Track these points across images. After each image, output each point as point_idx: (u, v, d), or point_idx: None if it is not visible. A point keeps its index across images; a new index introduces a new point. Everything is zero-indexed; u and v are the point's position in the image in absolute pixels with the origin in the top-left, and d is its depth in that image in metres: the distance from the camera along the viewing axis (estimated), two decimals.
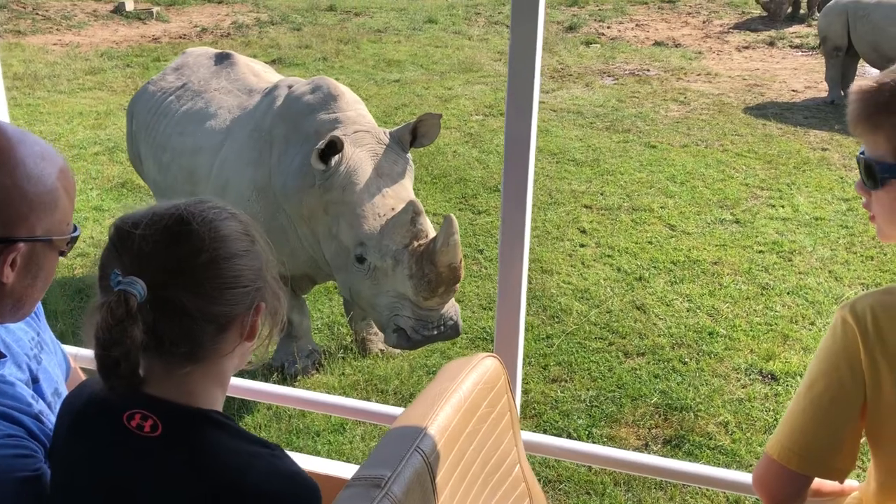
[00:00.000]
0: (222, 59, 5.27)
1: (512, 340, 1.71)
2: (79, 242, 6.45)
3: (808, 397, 1.33)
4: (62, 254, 1.35)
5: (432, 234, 4.01)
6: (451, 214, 3.88)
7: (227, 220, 1.26)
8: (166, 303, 1.18)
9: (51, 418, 1.41)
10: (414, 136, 4.21)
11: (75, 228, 1.36)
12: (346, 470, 1.83)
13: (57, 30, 14.55)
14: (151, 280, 1.17)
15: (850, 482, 1.54)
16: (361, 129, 4.17)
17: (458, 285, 3.99)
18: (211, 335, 1.22)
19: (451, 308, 4.06)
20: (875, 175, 1.27)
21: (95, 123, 9.57)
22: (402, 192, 4.12)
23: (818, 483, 1.50)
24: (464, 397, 1.44)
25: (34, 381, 1.44)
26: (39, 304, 1.57)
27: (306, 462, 1.69)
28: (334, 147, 3.95)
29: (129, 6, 15.65)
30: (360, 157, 4.05)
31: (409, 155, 4.29)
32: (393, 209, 4.01)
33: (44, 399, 1.44)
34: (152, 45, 13.51)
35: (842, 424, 1.30)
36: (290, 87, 4.57)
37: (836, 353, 1.29)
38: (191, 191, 4.76)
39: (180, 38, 14.03)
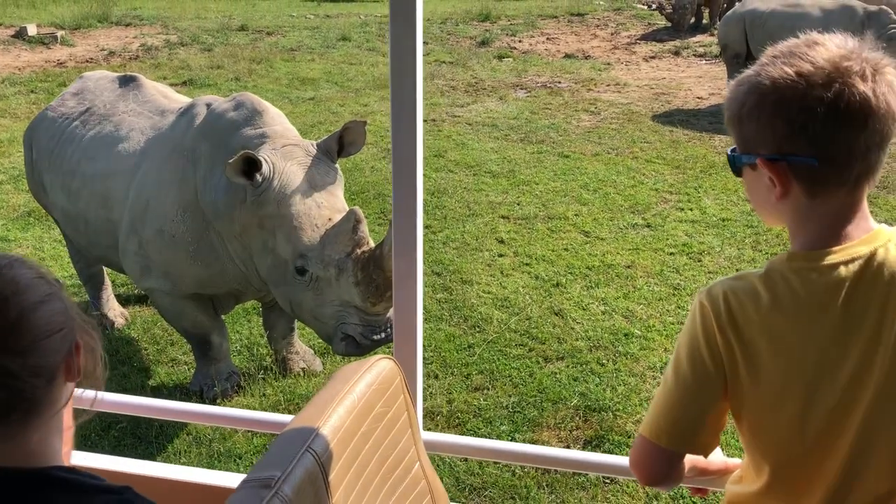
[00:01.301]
0: (127, 81, 5.17)
1: (409, 340, 1.74)
2: None
3: (675, 378, 1.41)
4: None
5: (372, 241, 4.06)
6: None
7: (18, 269, 1.20)
8: None
9: None
10: (341, 145, 4.24)
11: None
12: (231, 479, 1.83)
13: None
14: None
15: (734, 460, 1.63)
16: (289, 142, 4.18)
17: None
18: (43, 389, 1.18)
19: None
20: (733, 165, 1.42)
21: None
22: (337, 203, 4.16)
23: (705, 463, 1.58)
24: (357, 398, 1.46)
25: None
26: None
27: (190, 475, 1.67)
28: (253, 162, 3.94)
29: (32, 31, 15.18)
30: (291, 171, 4.05)
31: (338, 165, 4.31)
32: (330, 220, 4.04)
33: None
34: (57, 70, 13.14)
35: (706, 403, 1.38)
36: (208, 105, 4.52)
37: (696, 337, 1.38)
38: (105, 216, 4.65)
39: (87, 61, 13.69)
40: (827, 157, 1.27)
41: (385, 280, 3.90)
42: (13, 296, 1.16)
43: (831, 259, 1.30)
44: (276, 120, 4.32)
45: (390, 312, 4.02)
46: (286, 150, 4.12)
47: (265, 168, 3.98)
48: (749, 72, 1.36)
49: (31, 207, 7.45)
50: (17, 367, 1.14)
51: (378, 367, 1.55)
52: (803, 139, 1.27)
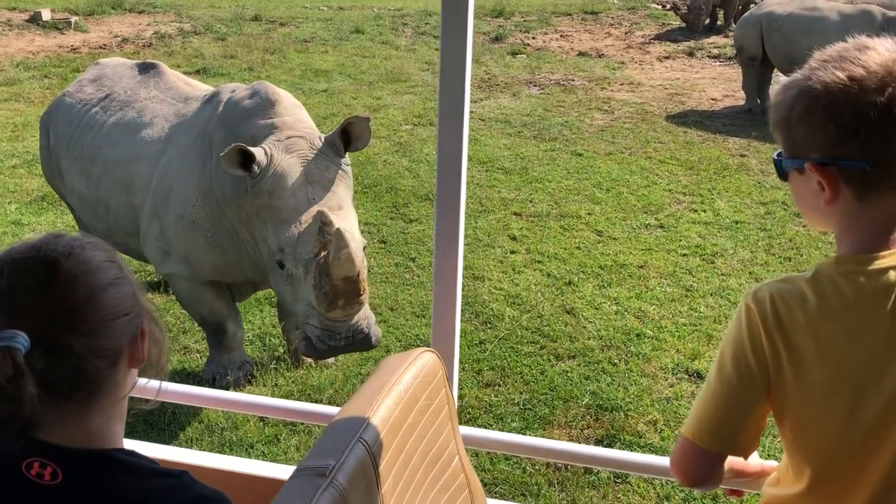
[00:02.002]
0: (147, 68, 5.18)
1: (448, 336, 1.74)
2: None
3: (719, 380, 1.41)
4: None
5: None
6: (340, 227, 3.82)
7: (90, 250, 1.23)
8: (54, 349, 1.13)
9: None
10: (348, 140, 4.19)
11: None
12: (281, 471, 1.84)
13: None
14: (32, 329, 1.12)
15: (770, 462, 1.63)
16: (295, 134, 4.15)
17: (362, 298, 3.92)
18: (105, 371, 1.20)
19: (363, 319, 4.00)
20: (779, 169, 1.41)
21: (12, 136, 9.28)
22: (332, 200, 4.08)
23: (742, 465, 1.58)
24: (404, 390, 1.47)
25: None
26: None
27: (242, 465, 1.69)
28: (248, 155, 3.93)
29: (46, 15, 15.20)
30: (289, 163, 4.02)
31: (347, 160, 4.25)
32: (323, 222, 3.97)
33: None
34: (71, 56, 13.15)
35: (749, 405, 1.39)
36: (232, 91, 4.53)
37: (742, 339, 1.38)
38: (127, 202, 4.67)
39: (101, 48, 13.70)
40: (879, 161, 1.27)
41: (333, 288, 3.81)
42: (82, 276, 1.18)
43: (880, 263, 1.30)
44: (289, 110, 4.29)
45: (356, 320, 3.94)
46: (290, 142, 4.09)
47: (260, 159, 3.96)
48: (797, 76, 1.36)
49: (45, 192, 7.47)
50: (82, 346, 1.16)
51: (422, 360, 1.56)
52: (855, 143, 1.27)
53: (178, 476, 1.24)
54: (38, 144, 5.64)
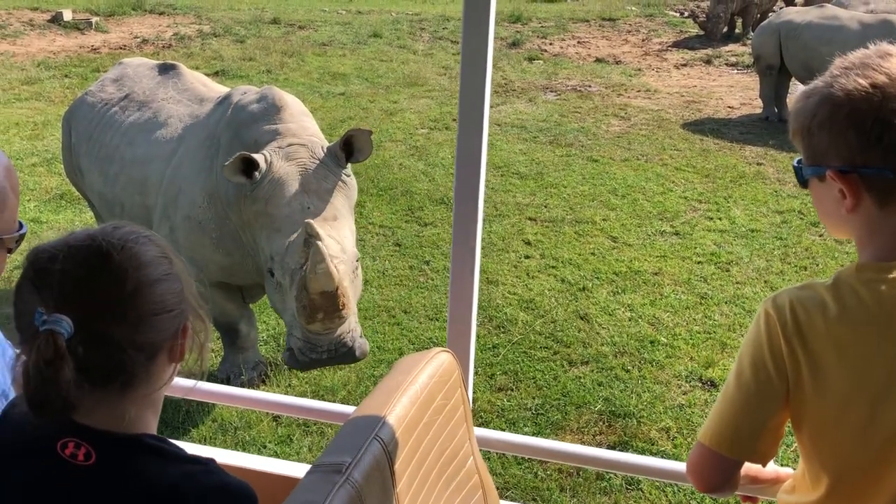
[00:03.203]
0: (167, 69, 5.22)
1: (464, 337, 1.75)
2: (17, 255, 6.30)
3: (737, 386, 1.41)
4: (10, 251, 1.35)
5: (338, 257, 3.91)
6: (318, 242, 3.75)
7: (144, 244, 1.25)
8: (95, 337, 1.17)
9: None
10: (350, 151, 4.15)
11: (21, 226, 1.36)
12: (295, 469, 1.85)
13: None
14: (77, 316, 1.15)
15: (785, 469, 1.62)
16: (297, 142, 4.12)
17: (344, 312, 3.85)
18: (142, 364, 1.23)
19: (347, 332, 3.94)
20: (799, 176, 1.40)
21: (32, 134, 9.37)
22: (329, 210, 4.03)
23: (756, 471, 1.58)
24: (420, 389, 1.48)
25: None
26: None
27: (257, 463, 1.70)
28: (251, 162, 3.93)
29: (67, 16, 15.34)
30: (287, 172, 4.00)
31: (348, 170, 4.22)
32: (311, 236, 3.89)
33: None
34: (91, 56, 13.27)
35: (768, 411, 1.38)
36: (243, 94, 4.56)
37: (761, 345, 1.38)
38: (141, 202, 4.70)
39: (120, 48, 13.81)
40: None
41: (310, 302, 3.76)
42: (132, 269, 1.21)
43: None
44: (295, 117, 4.28)
45: (339, 333, 3.89)
46: (290, 150, 4.08)
47: (261, 165, 3.97)
48: (819, 83, 1.36)
49: (64, 190, 7.54)
50: (122, 338, 1.19)
51: (438, 360, 1.57)
52: (878, 151, 1.27)
53: (205, 463, 1.27)
54: (61, 142, 5.69)
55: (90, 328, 1.16)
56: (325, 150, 4.14)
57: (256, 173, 3.97)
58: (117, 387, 1.22)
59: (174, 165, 4.55)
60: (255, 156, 3.96)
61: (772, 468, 1.62)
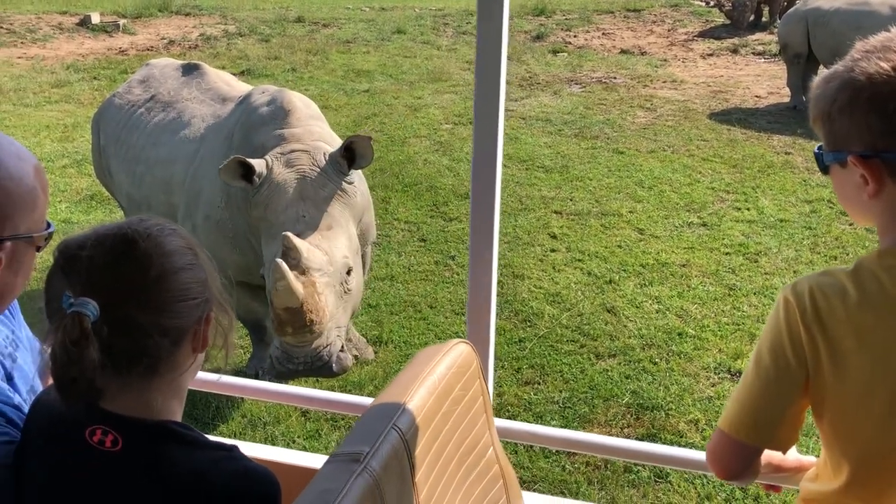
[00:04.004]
0: (191, 69, 5.28)
1: (483, 327, 1.76)
2: (48, 255, 6.41)
3: (756, 373, 1.40)
4: (38, 249, 1.39)
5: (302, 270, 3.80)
6: (279, 259, 3.67)
7: (169, 235, 1.30)
8: (119, 320, 1.20)
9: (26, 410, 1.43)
10: (351, 157, 4.11)
11: (49, 225, 1.40)
12: (317, 460, 1.88)
13: (21, 43, 14.42)
14: (103, 299, 1.19)
15: (808, 458, 1.61)
16: (300, 148, 4.09)
17: (315, 328, 3.75)
18: (166, 349, 1.25)
19: (324, 347, 3.87)
20: (820, 163, 1.39)
21: (62, 136, 9.51)
22: (325, 220, 3.98)
23: (779, 460, 1.57)
24: (438, 380, 1.49)
25: (8, 379, 1.46)
26: (16, 303, 1.59)
27: (278, 455, 1.73)
28: (249, 166, 3.94)
29: (95, 19, 15.54)
30: (286, 178, 3.99)
31: (351, 177, 4.16)
32: (300, 235, 3.87)
33: (20, 395, 1.46)
34: (119, 58, 13.43)
35: (787, 398, 1.37)
36: (261, 93, 4.59)
37: (780, 332, 1.36)
38: (166, 201, 4.76)
39: (148, 50, 13.96)
40: None
41: (276, 315, 3.69)
42: (157, 257, 1.25)
43: None
44: (302, 121, 4.25)
45: (317, 345, 3.83)
46: (292, 156, 4.06)
47: (260, 171, 3.97)
48: (839, 67, 1.33)
49: (94, 191, 7.65)
50: (146, 322, 1.22)
51: (456, 351, 1.58)
52: None
53: (229, 450, 1.30)
54: (90, 144, 5.77)
55: (115, 312, 1.20)
56: (327, 156, 4.10)
57: (255, 178, 3.98)
58: (141, 371, 1.25)
59: (196, 165, 4.60)
60: (253, 161, 3.93)
61: (794, 456, 1.61)
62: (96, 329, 1.17)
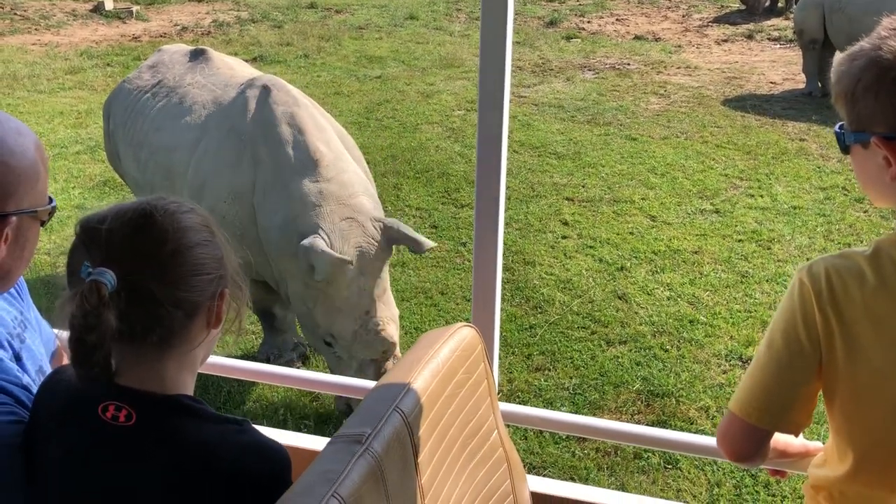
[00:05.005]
0: (197, 55, 5.27)
1: (488, 310, 1.75)
2: (62, 240, 6.44)
3: (769, 355, 1.38)
4: (42, 223, 1.40)
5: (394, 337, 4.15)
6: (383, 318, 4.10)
7: (187, 213, 1.33)
8: (136, 290, 1.23)
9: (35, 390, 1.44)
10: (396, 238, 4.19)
11: (51, 200, 1.41)
12: (319, 442, 1.89)
13: (35, 30, 14.46)
14: (120, 270, 1.22)
15: (815, 443, 1.60)
16: (349, 215, 4.09)
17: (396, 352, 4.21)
18: (180, 321, 1.28)
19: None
20: (841, 142, 1.35)
21: (76, 122, 9.54)
22: (377, 288, 4.10)
23: (784, 444, 1.56)
24: (441, 363, 1.49)
25: (17, 359, 1.47)
26: (24, 284, 1.60)
27: (280, 436, 1.74)
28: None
29: (109, 5, 15.56)
30: (348, 256, 3.98)
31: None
32: (367, 312, 4.02)
33: (28, 376, 1.47)
34: (132, 44, 13.45)
35: (799, 381, 1.35)
36: (265, 87, 4.51)
37: (794, 314, 1.34)
38: (168, 187, 4.75)
39: (161, 36, 13.98)
40: None
41: (372, 359, 4.09)
42: (174, 231, 1.28)
43: None
44: (331, 169, 4.22)
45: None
46: (344, 228, 4.05)
47: (326, 265, 3.89)
48: (865, 45, 1.29)
49: (107, 177, 7.68)
50: (162, 294, 1.25)
51: (461, 334, 1.58)
52: None
53: (240, 423, 1.32)
54: (102, 130, 5.80)
55: (132, 282, 1.22)
56: (376, 226, 4.13)
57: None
58: (155, 340, 1.27)
59: (198, 156, 4.56)
60: (339, 257, 3.89)
61: (800, 442, 1.59)
62: (113, 298, 1.20)
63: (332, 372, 4.25)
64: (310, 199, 4.14)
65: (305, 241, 3.92)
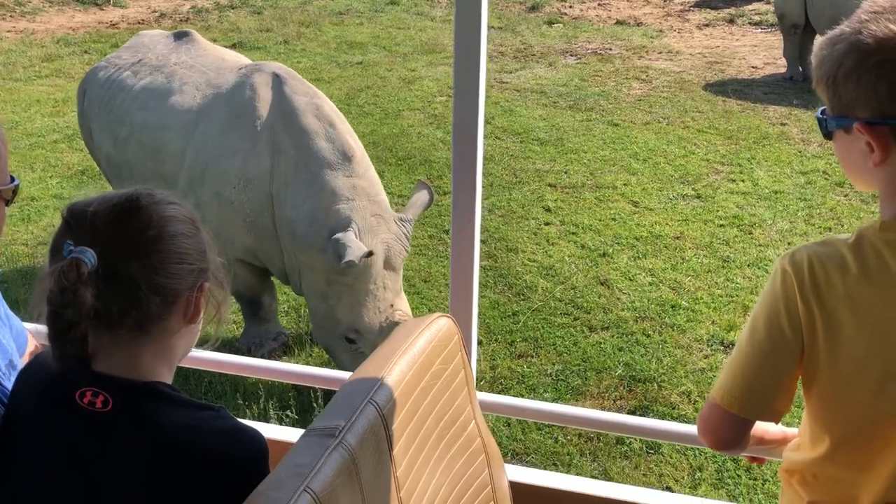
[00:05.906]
0: (181, 36, 5.22)
1: (466, 300, 1.74)
2: (40, 231, 6.37)
3: (751, 344, 1.37)
4: (7, 203, 1.38)
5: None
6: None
7: (172, 205, 1.34)
8: (115, 271, 1.24)
9: (6, 384, 1.42)
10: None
11: (13, 179, 1.39)
12: (293, 434, 1.87)
13: (10, 16, 14.25)
14: (102, 251, 1.23)
15: (792, 430, 1.60)
16: (377, 212, 4.25)
17: None
18: (157, 307, 1.28)
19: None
20: (823, 128, 1.33)
21: (53, 111, 9.43)
22: (398, 282, 4.30)
23: (762, 431, 1.55)
24: (417, 354, 1.47)
25: None
26: None
27: (259, 428, 1.72)
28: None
29: None
30: (375, 250, 4.10)
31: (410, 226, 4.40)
32: (392, 305, 4.18)
33: None
34: (110, 31, 13.29)
35: (782, 370, 1.34)
36: (276, 75, 4.47)
37: (776, 301, 1.33)
38: (155, 168, 4.70)
39: (139, 23, 13.81)
40: None
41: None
42: (157, 219, 1.30)
43: None
44: (361, 165, 4.35)
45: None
46: (373, 223, 4.18)
47: (357, 251, 3.94)
48: (846, 29, 1.27)
49: (86, 166, 7.60)
50: (140, 277, 1.26)
51: (437, 325, 1.56)
52: None
53: (216, 409, 1.32)
54: (76, 110, 5.72)
55: (112, 263, 1.23)
56: (401, 223, 4.31)
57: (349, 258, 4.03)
58: (131, 325, 1.27)
59: (198, 140, 4.51)
60: (371, 251, 4.01)
61: (778, 429, 1.59)
62: (92, 276, 1.21)
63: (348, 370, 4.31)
64: (343, 193, 4.21)
65: (339, 235, 3.97)
